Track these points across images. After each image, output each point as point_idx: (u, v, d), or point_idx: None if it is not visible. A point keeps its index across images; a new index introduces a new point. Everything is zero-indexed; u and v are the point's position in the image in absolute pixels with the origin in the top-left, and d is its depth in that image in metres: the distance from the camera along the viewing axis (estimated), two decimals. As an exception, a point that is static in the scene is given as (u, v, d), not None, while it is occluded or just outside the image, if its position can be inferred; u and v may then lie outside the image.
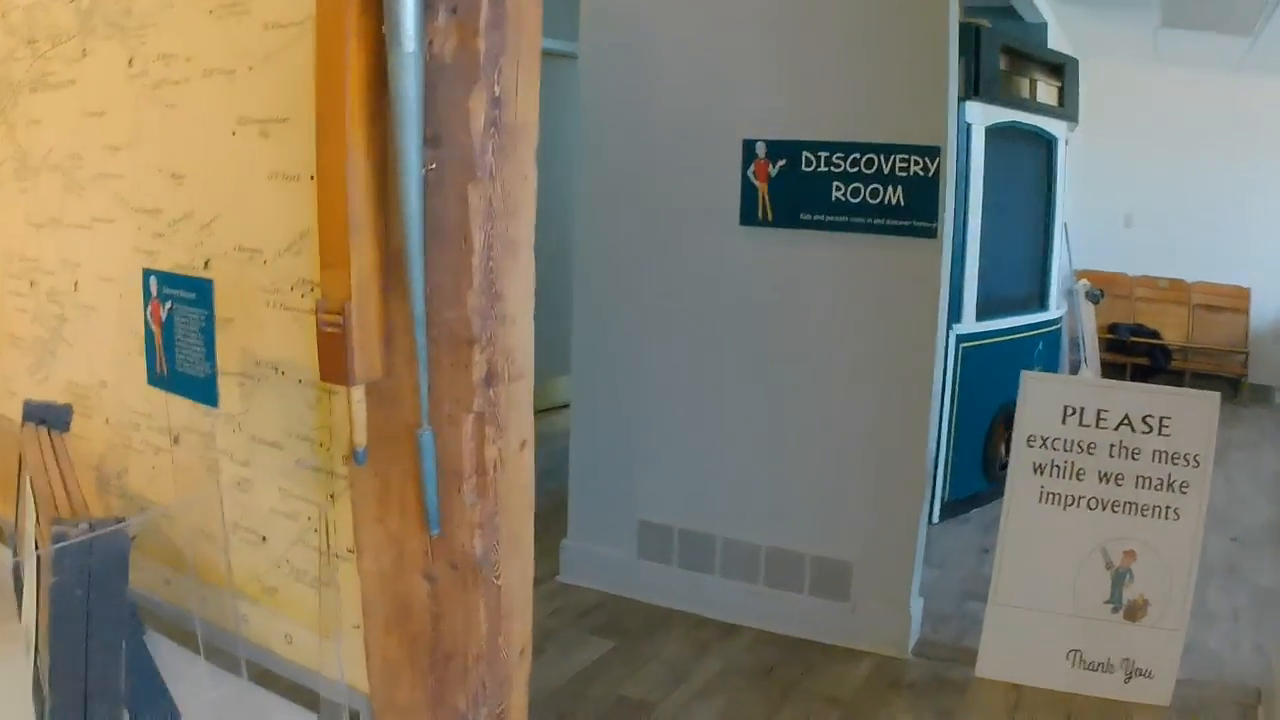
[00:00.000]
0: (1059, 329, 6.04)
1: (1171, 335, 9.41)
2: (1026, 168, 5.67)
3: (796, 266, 3.65)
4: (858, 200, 3.50)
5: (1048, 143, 5.61)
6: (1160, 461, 3.07)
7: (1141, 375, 9.22)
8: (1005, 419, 5.46)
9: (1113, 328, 9.21)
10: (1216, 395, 3.09)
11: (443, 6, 1.25)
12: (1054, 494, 3.15)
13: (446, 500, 1.36)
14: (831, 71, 3.51)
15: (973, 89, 4.77)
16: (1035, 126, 5.43)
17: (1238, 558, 4.91)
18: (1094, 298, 8.07)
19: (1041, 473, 3.16)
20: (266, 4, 1.44)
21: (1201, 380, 9.46)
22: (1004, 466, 5.45)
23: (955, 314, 4.80)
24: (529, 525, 1.51)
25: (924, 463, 3.59)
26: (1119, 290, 9.42)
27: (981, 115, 4.84)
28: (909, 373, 3.55)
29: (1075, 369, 7.51)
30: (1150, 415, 3.08)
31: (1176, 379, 9.34)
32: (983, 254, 5.02)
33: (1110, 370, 8.73)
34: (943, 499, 5.19)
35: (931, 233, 3.41)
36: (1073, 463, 3.13)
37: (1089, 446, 3.11)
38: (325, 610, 1.53)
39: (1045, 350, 5.79)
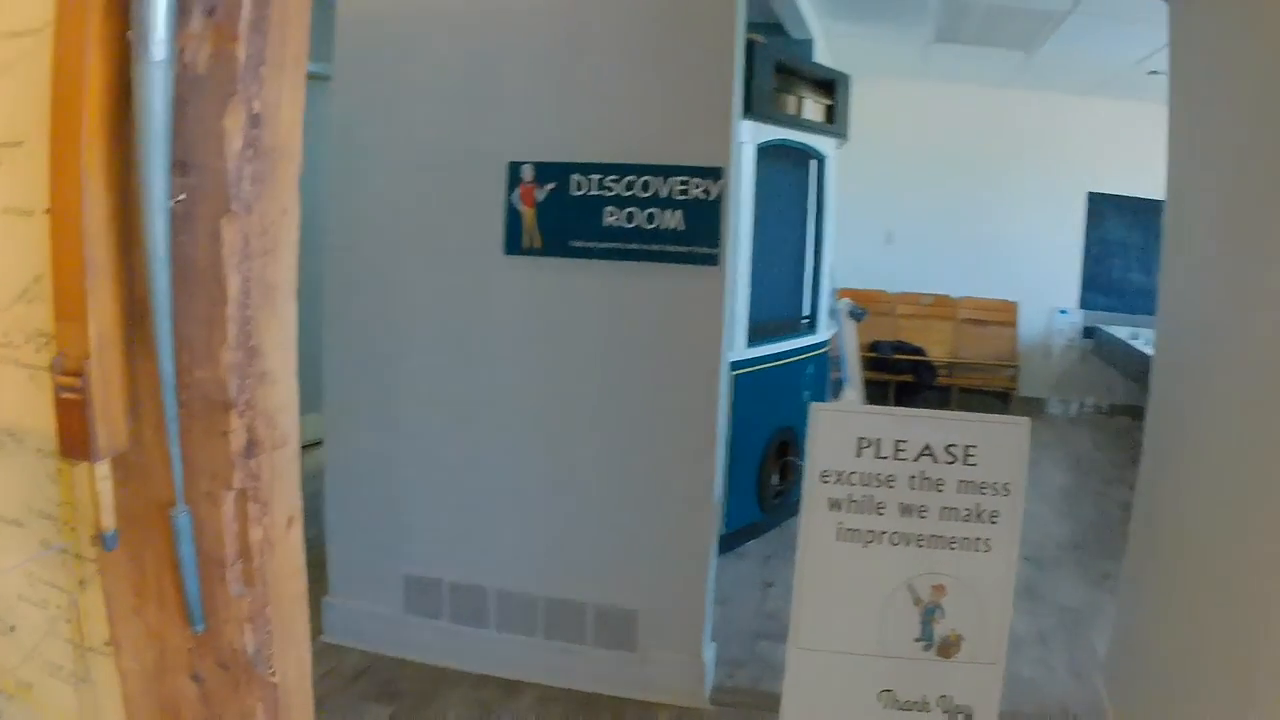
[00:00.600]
0: (827, 355, 6.25)
1: (937, 351, 9.94)
2: (796, 187, 5.83)
3: (567, 298, 3.58)
4: (633, 226, 3.46)
5: (818, 161, 5.80)
6: (967, 491, 3.12)
7: (906, 392, 9.71)
8: (779, 446, 5.63)
9: (874, 345, 9.64)
10: (1026, 421, 3.13)
11: (198, 7, 1.12)
12: (853, 530, 3.14)
13: (209, 590, 1.23)
14: (606, 89, 3.47)
15: (745, 107, 4.86)
16: (805, 144, 5.59)
17: (1034, 578, 5.18)
18: (857, 316, 8.40)
19: (838, 509, 3.15)
20: (-1, 7, 1.27)
21: (970, 395, 10.06)
22: (779, 495, 5.67)
23: (727, 340, 4.88)
24: (303, 612, 1.40)
25: (711, 500, 3.59)
26: (880, 307, 9.87)
27: (752, 133, 4.93)
28: (692, 407, 3.54)
29: (837, 388, 7.82)
30: (954, 444, 3.12)
31: (943, 395, 9.90)
32: (753, 277, 5.12)
33: (873, 388, 9.11)
34: (719, 533, 5.24)
35: (713, 259, 3.40)
36: (871, 497, 3.13)
37: (888, 479, 3.12)
38: (84, 713, 1.36)
39: (816, 373, 5.97)
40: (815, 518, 3.17)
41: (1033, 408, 10.07)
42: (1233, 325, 2.80)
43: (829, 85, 5.68)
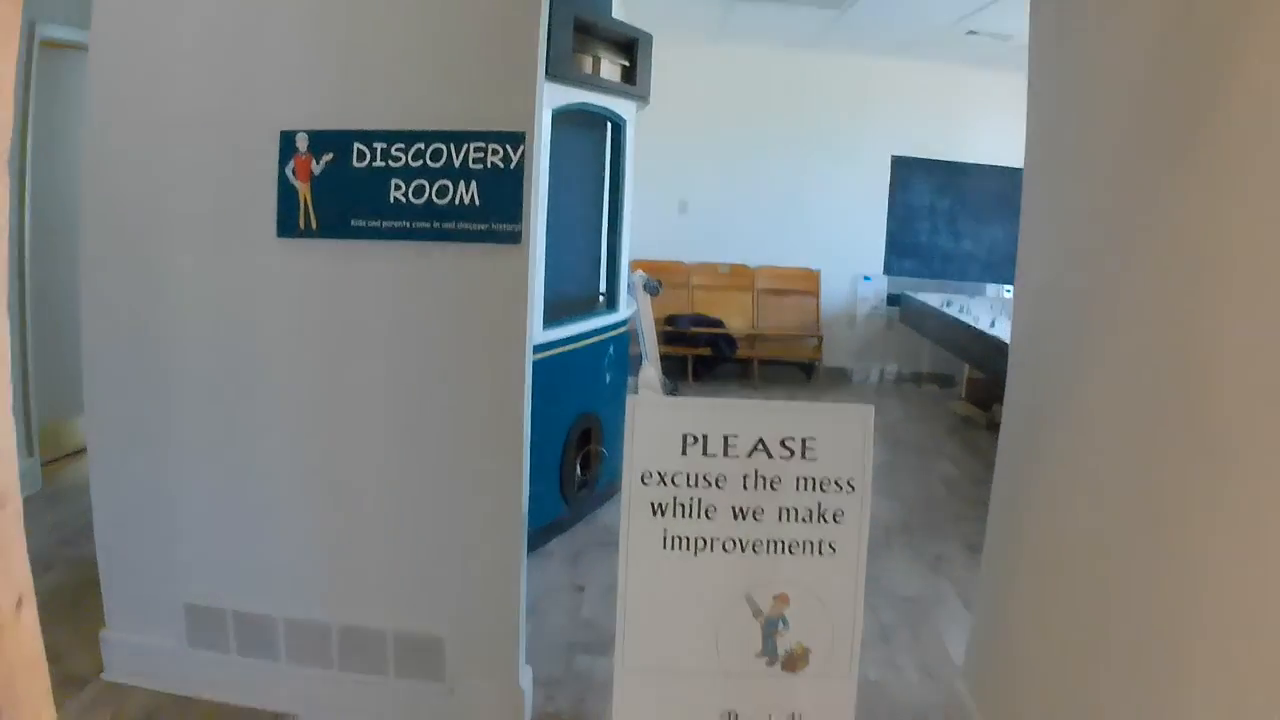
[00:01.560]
0: (628, 334, 6.26)
1: (736, 323, 10.10)
2: (593, 154, 5.79)
3: (350, 287, 3.37)
4: (423, 202, 3.28)
5: (616, 125, 5.78)
6: (807, 489, 3.05)
7: (705, 366, 9.84)
8: (581, 434, 5.61)
9: (671, 319, 9.72)
10: (869, 409, 3.09)
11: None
12: (681, 538, 3.04)
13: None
14: (392, 45, 3.27)
15: (544, 67, 4.76)
16: (605, 109, 5.50)
17: (868, 567, 5.26)
18: (652, 289, 8.43)
19: (662, 514, 3.04)
20: None
21: (772, 367, 10.26)
22: (583, 487, 5.62)
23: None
24: (48, 704, 1.22)
25: (520, 506, 3.46)
26: (676, 279, 9.97)
27: (549, 96, 4.83)
28: (494, 403, 3.40)
29: (636, 365, 7.85)
30: (790, 438, 3.04)
31: (743, 367, 10.09)
32: (550, 253, 4.99)
33: (671, 363, 9.19)
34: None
35: (515, 237, 3.26)
36: (700, 499, 3.04)
37: (718, 479, 3.03)
38: None
39: (617, 354, 5.97)
40: (638, 525, 3.06)
41: (837, 378, 10.39)
42: (1097, 303, 2.84)
43: (629, 45, 5.59)
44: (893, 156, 10.41)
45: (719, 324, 9.95)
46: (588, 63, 5.25)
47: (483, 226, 3.30)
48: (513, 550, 3.48)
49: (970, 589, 5.04)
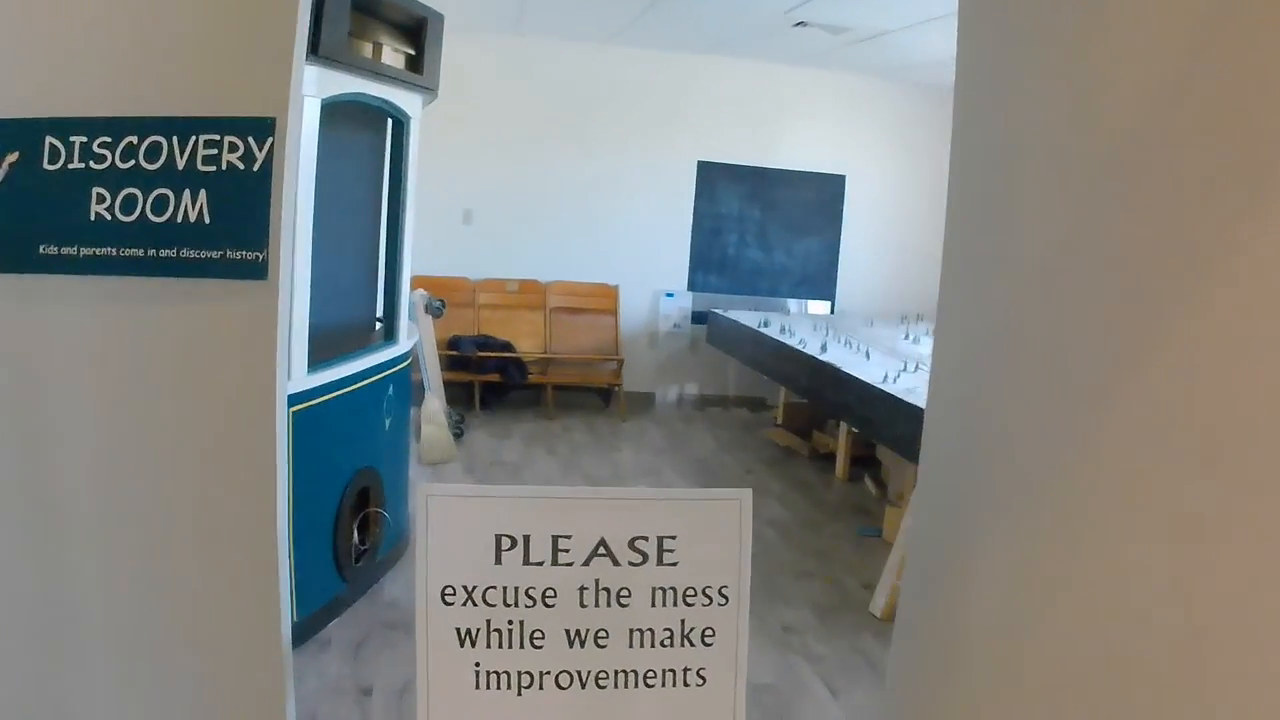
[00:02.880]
0: (409, 369, 5.47)
1: (527, 345, 9.40)
2: (371, 157, 5.01)
3: (39, 342, 2.50)
4: (134, 218, 2.41)
5: (399, 123, 4.99)
6: (665, 604, 2.38)
7: (494, 393, 9.12)
8: (358, 494, 4.82)
9: (455, 342, 8.98)
10: (746, 493, 2.51)
11: None
12: (500, 674, 2.32)
13: None
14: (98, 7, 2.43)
15: (310, 46, 3.93)
16: (386, 102, 4.74)
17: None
18: (435, 310, 7.70)
19: (473, 643, 2.32)
20: None
21: (568, 393, 9.60)
22: (362, 556, 4.79)
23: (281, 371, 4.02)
24: None
25: (277, 604, 2.65)
26: (460, 297, 9.23)
27: (318, 84, 4.02)
28: (239, 479, 2.60)
29: (418, 395, 7.13)
30: (641, 537, 2.35)
31: (537, 393, 9.39)
32: (317, 277, 4.20)
33: (456, 391, 8.49)
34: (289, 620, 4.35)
35: (258, 269, 2.44)
36: (522, 623, 2.32)
37: (545, 595, 2.33)
38: None
39: (398, 395, 5.18)
40: (440, 658, 2.32)
41: (639, 403, 9.81)
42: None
43: (417, 27, 4.82)
44: (699, 162, 9.87)
45: (508, 347, 9.23)
46: (367, 48, 4.45)
47: (215, 254, 2.45)
48: (272, 655, 2.67)
49: (832, 669, 4.56)
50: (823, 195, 10.28)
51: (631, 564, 2.38)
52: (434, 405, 7.51)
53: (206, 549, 2.63)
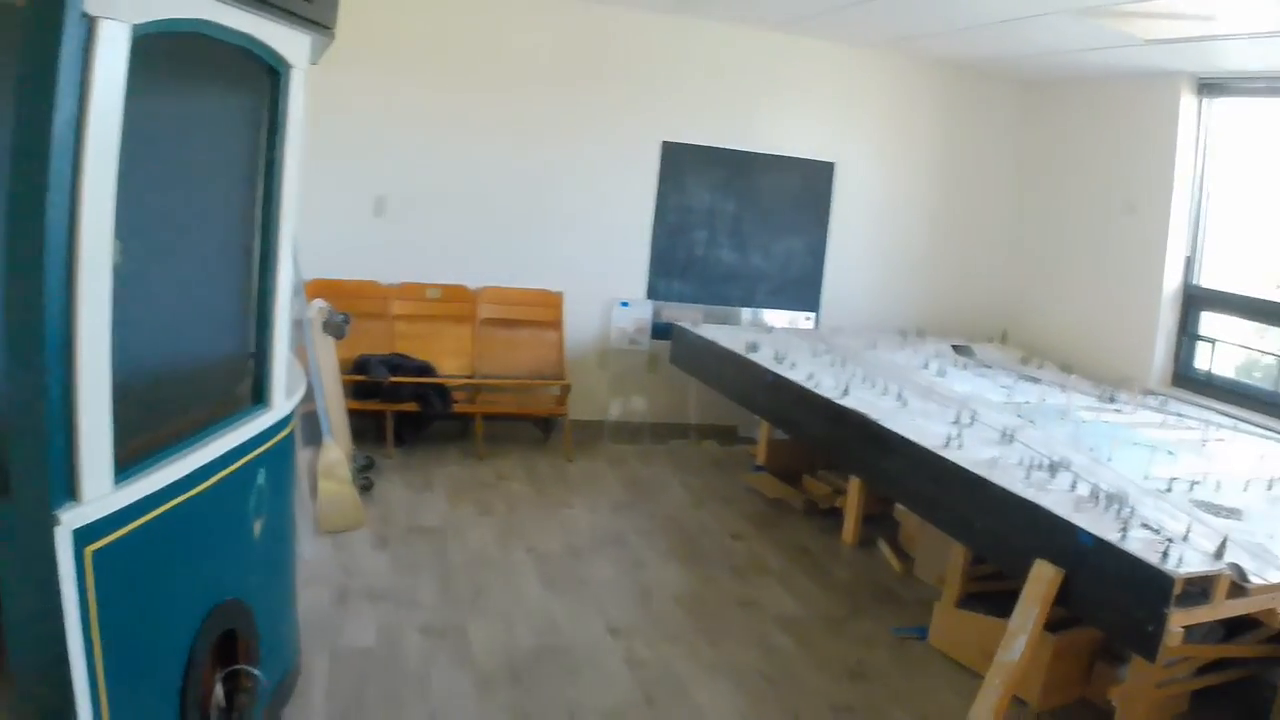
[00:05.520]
0: (291, 435, 3.89)
1: (451, 365, 7.82)
2: (232, 122, 3.40)
3: None
4: None
5: (274, 74, 3.38)
6: None
7: (411, 426, 7.58)
8: (217, 644, 3.26)
9: (362, 363, 7.39)
10: None
11: None
12: None
13: None
14: None
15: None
16: (251, 39, 3.07)
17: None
18: (336, 329, 6.18)
19: None
20: None
21: (501, 424, 8.08)
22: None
23: (60, 487, 2.42)
24: None
25: None
26: (370, 306, 7.66)
27: (130, 4, 2.43)
28: None
29: (314, 436, 5.64)
30: None
31: (464, 425, 7.87)
32: (130, 316, 2.60)
33: (362, 424, 6.97)
34: None
35: None
36: None
37: None
38: None
39: (272, 484, 3.60)
40: None
41: (587, 434, 8.31)
42: None
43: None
44: (664, 144, 8.35)
45: (428, 369, 7.64)
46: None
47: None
48: None
49: None
50: (808, 186, 8.83)
51: None
52: (334, 455, 5.95)
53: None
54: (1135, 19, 6.15)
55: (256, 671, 3.35)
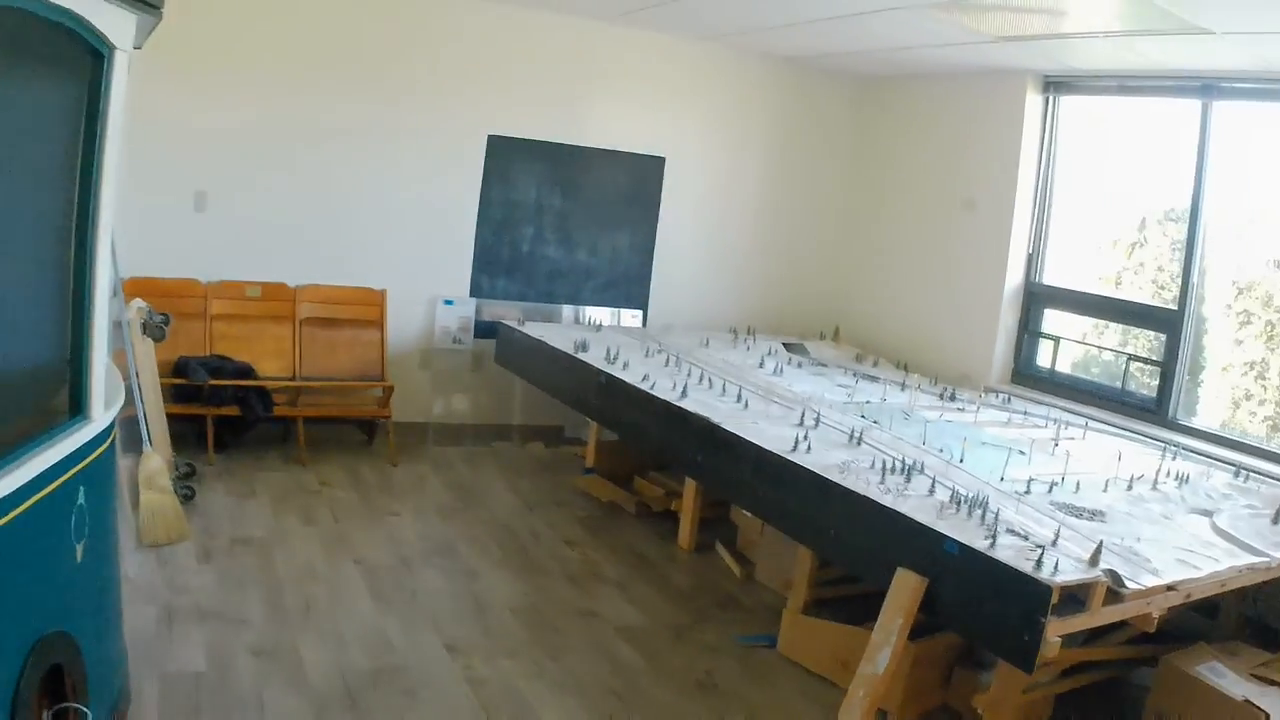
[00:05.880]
0: (113, 448, 3.61)
1: (272, 367, 7.50)
2: (43, 111, 3.13)
3: None
4: None
5: (96, 55, 3.11)
6: None
7: (232, 430, 7.24)
8: (43, 683, 2.97)
9: (181, 365, 7.03)
10: None
11: None
12: None
13: None
14: None
15: None
16: (71, 17, 2.85)
17: None
18: (156, 331, 5.87)
19: None
20: None
21: (323, 428, 7.78)
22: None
23: None
24: None
25: None
26: (189, 306, 7.29)
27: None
28: None
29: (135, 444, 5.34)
30: None
31: (286, 429, 7.55)
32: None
33: (182, 428, 6.64)
34: None
35: None
36: None
37: None
38: None
39: (93, 504, 3.32)
40: None
41: (411, 438, 8.06)
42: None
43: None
44: (490, 137, 8.15)
45: (248, 371, 7.31)
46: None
47: None
48: None
49: None
50: (637, 181, 8.73)
51: None
52: (154, 463, 5.62)
53: None
54: (985, 15, 6.19)
55: (86, 710, 3.09)
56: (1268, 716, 4.19)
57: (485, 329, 8.29)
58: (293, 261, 7.68)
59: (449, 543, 6.15)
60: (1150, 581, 3.92)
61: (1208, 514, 5.07)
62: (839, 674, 4.61)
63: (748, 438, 5.17)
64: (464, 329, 8.31)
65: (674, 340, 7.96)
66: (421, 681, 4.45)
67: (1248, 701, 4.27)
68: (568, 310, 8.67)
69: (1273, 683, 4.46)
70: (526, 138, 8.27)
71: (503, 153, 8.19)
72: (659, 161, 8.77)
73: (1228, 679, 4.45)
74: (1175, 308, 7.10)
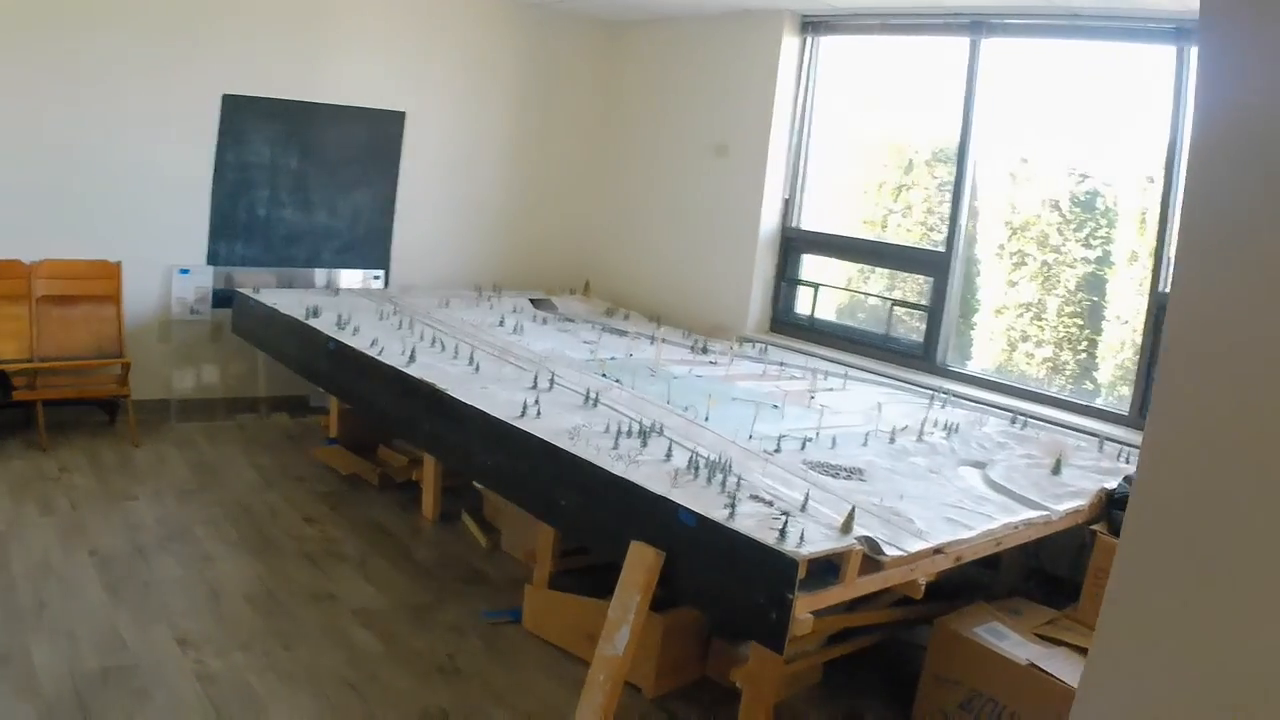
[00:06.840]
0: None
1: (9, 349, 7.32)
2: None
3: None
4: None
5: None
6: None
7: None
8: None
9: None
10: None
11: None
12: None
13: None
14: None
15: None
16: None
17: None
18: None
19: None
20: None
21: (63, 410, 7.62)
22: None
23: None
24: None
25: None
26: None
27: None
28: None
29: None
30: None
31: (26, 413, 7.39)
32: None
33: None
34: None
35: None
36: None
37: None
38: None
39: None
40: None
41: (153, 415, 7.95)
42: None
43: None
44: (225, 96, 8.00)
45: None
46: None
47: None
48: None
49: None
50: (376, 137, 8.71)
51: None
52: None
53: None
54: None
55: None
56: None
57: (224, 298, 8.21)
58: (26, 235, 7.41)
59: (186, 526, 6.07)
60: (914, 546, 3.74)
61: (980, 466, 4.98)
62: (585, 649, 4.47)
63: (474, 404, 5.08)
64: (202, 299, 8.19)
65: (412, 301, 8.00)
66: (152, 680, 4.35)
67: (1032, 665, 4.09)
68: (315, 275, 8.64)
69: (1059, 642, 4.29)
70: (263, 96, 8.13)
71: (238, 113, 8.04)
72: (399, 116, 8.75)
73: (1009, 640, 4.28)
74: (943, 250, 7.20)
